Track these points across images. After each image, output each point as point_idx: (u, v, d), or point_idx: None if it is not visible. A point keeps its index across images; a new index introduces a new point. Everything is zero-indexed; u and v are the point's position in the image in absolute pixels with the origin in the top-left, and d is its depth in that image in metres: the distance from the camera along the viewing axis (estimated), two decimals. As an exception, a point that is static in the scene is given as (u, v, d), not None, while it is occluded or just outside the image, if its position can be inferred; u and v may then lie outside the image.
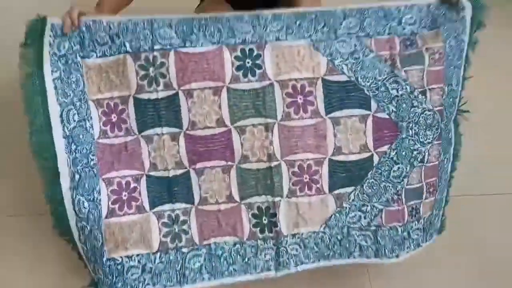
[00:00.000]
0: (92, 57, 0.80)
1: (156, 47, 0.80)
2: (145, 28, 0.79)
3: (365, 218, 0.89)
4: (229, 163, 0.84)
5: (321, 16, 0.81)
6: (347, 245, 0.90)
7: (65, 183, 0.80)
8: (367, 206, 0.88)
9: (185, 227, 0.86)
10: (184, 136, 0.83)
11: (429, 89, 0.85)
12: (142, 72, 0.80)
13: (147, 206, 0.85)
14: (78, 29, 0.78)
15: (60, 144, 0.78)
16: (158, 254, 0.86)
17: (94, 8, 0.87)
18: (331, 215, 0.88)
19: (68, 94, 0.79)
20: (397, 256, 0.91)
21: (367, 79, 0.84)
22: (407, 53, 0.84)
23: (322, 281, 0.97)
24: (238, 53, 0.81)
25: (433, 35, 0.84)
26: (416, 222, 0.91)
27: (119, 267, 0.85)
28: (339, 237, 0.90)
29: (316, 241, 0.89)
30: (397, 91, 0.84)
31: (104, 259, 0.84)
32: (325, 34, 0.82)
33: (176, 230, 0.86)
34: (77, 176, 0.80)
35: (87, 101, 0.80)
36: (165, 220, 0.86)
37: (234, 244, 0.88)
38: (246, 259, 0.88)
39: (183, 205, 0.86)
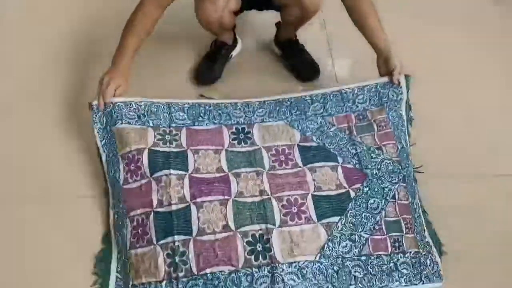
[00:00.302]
0: (118, 123, 1.03)
1: (172, 125, 1.08)
2: (164, 112, 1.09)
3: (355, 247, 0.93)
4: (226, 197, 0.97)
5: (294, 103, 1.14)
6: (344, 278, 0.89)
7: (111, 223, 1.02)
8: (355, 235, 0.94)
9: (184, 258, 0.89)
10: (189, 177, 0.99)
11: (383, 145, 1.08)
12: (158, 137, 1.05)
13: (154, 239, 0.91)
14: (108, 106, 1.03)
15: (111, 193, 1.03)
16: (164, 282, 0.87)
17: (114, 55, 1.06)
18: (324, 244, 0.92)
19: (110, 155, 1.03)
20: (386, 286, 0.90)
21: (332, 144, 1.09)
22: (360, 125, 1.12)
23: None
24: (234, 130, 1.10)
25: (378, 110, 1.13)
26: (402, 255, 0.94)
27: None
28: (335, 268, 0.90)
29: (313, 272, 0.88)
30: (356, 150, 1.07)
31: (130, 284, 0.90)
32: (297, 116, 1.13)
33: (177, 260, 0.88)
34: (116, 216, 1.00)
35: (117, 156, 1.02)
36: (168, 251, 0.90)
37: (229, 274, 0.87)
38: (242, 288, 0.83)
39: (182, 237, 0.91)
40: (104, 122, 1.04)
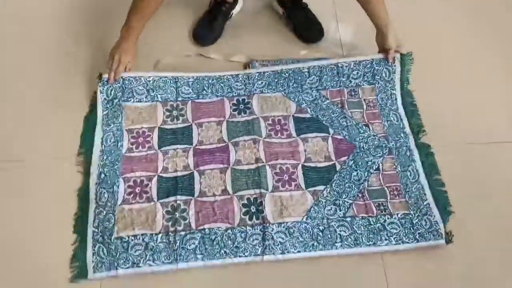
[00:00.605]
0: (130, 101, 1.17)
1: (179, 98, 1.21)
2: (171, 86, 1.21)
3: (340, 210, 1.04)
4: (226, 165, 1.09)
5: (292, 75, 1.23)
6: (329, 236, 1.01)
7: (92, 181, 1.06)
8: (339, 200, 1.06)
9: (184, 214, 1.02)
10: (193, 149, 1.12)
11: (370, 123, 1.18)
12: (167, 113, 1.18)
13: (155, 198, 1.04)
14: (118, 81, 1.15)
15: (96, 155, 1.10)
16: (160, 235, 0.99)
17: (122, 29, 1.13)
18: (311, 207, 1.04)
19: (110, 124, 1.15)
20: (374, 244, 0.99)
21: (325, 116, 1.19)
22: (351, 100, 1.22)
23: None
24: (234, 101, 1.21)
25: (369, 90, 1.22)
26: (389, 216, 1.03)
27: (125, 244, 0.97)
28: (321, 228, 1.02)
29: (300, 231, 1.01)
30: (346, 123, 1.18)
31: (113, 237, 0.98)
32: (294, 88, 1.23)
33: (177, 216, 1.02)
34: (102, 175, 1.07)
35: (122, 130, 1.15)
36: (168, 208, 1.03)
37: (226, 230, 1.00)
38: (236, 243, 0.98)
39: (184, 197, 1.04)
40: (111, 95, 1.16)
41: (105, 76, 1.17)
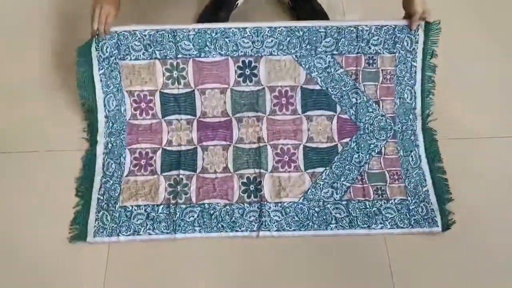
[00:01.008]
0: (127, 59, 1.09)
1: (179, 55, 1.09)
2: (170, 41, 1.08)
3: (336, 193, 1.06)
4: (228, 143, 1.12)
5: (307, 34, 1.14)
6: (324, 217, 1.03)
7: (100, 149, 1.10)
8: (337, 183, 1.07)
9: (186, 188, 1.06)
10: (197, 122, 1.13)
11: (381, 100, 1.14)
12: (167, 74, 1.14)
13: (159, 171, 1.09)
14: (112, 37, 1.06)
15: (101, 121, 1.11)
16: (161, 206, 1.04)
17: None
18: (308, 189, 1.06)
19: (109, 85, 1.13)
20: (368, 227, 1.01)
21: (335, 89, 1.14)
22: (367, 71, 1.15)
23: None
24: (240, 64, 1.14)
25: (389, 60, 1.11)
26: (386, 201, 1.05)
27: (128, 213, 1.03)
28: (316, 209, 1.04)
29: (296, 211, 1.04)
30: (356, 100, 1.14)
31: (117, 206, 1.04)
32: (307, 51, 1.15)
33: (178, 189, 1.06)
34: (109, 145, 1.11)
35: (122, 91, 1.14)
36: (171, 182, 1.07)
37: (225, 206, 1.04)
38: (233, 219, 1.02)
39: (187, 172, 1.08)
40: (107, 52, 1.08)
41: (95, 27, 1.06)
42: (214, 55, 1.11)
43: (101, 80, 1.10)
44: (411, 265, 1.00)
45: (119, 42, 1.09)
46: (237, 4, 1.34)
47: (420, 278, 0.98)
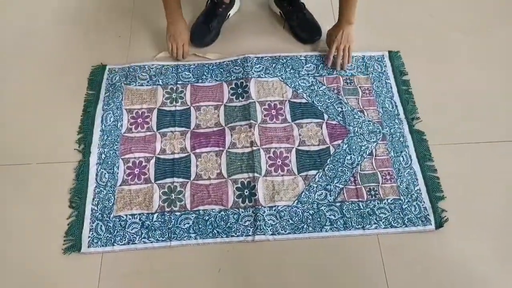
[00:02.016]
0: (132, 84, 1.24)
1: (179, 82, 1.25)
2: (172, 72, 1.26)
3: (330, 195, 1.07)
4: (221, 148, 1.13)
5: (289, 61, 1.27)
6: (319, 219, 1.04)
7: (93, 160, 1.11)
8: (330, 185, 1.08)
9: (180, 196, 1.06)
10: (191, 133, 1.15)
11: (365, 109, 1.20)
12: (167, 95, 1.22)
13: (152, 179, 1.09)
14: (124, 70, 1.24)
15: (96, 135, 1.15)
16: (156, 214, 1.04)
17: (166, 16, 1.23)
18: (302, 192, 1.07)
19: (110, 104, 1.20)
20: (363, 228, 1.01)
21: (320, 102, 1.21)
22: (347, 87, 1.24)
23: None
24: (233, 85, 1.24)
25: (364, 79, 1.26)
26: (379, 202, 1.06)
27: (122, 222, 1.02)
28: (311, 212, 1.05)
29: (290, 214, 1.04)
30: (342, 108, 1.20)
31: (112, 215, 1.03)
32: (291, 74, 1.26)
33: (173, 197, 1.06)
34: (103, 156, 1.12)
35: (121, 109, 1.19)
36: (165, 189, 1.07)
37: (219, 211, 1.04)
38: (229, 224, 1.02)
39: (181, 180, 1.09)
40: (116, 79, 1.25)
41: (112, 66, 1.26)
42: (210, 81, 1.26)
43: (103, 100, 1.20)
44: (404, 263, 1.00)
45: (128, 73, 1.26)
46: (229, 15, 1.39)
47: (413, 276, 0.99)
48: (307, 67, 1.27)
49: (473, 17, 1.41)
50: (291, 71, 1.26)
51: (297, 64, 1.27)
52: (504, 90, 1.26)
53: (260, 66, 1.26)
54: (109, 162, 1.11)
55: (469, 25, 1.39)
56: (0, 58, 1.32)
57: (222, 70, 1.26)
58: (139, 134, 1.16)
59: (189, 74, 1.26)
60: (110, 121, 1.17)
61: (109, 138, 1.15)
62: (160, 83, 1.24)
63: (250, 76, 1.24)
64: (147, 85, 1.24)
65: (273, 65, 1.27)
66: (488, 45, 1.35)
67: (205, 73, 1.26)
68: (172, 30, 1.25)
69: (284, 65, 1.27)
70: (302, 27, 1.35)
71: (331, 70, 1.26)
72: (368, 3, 1.40)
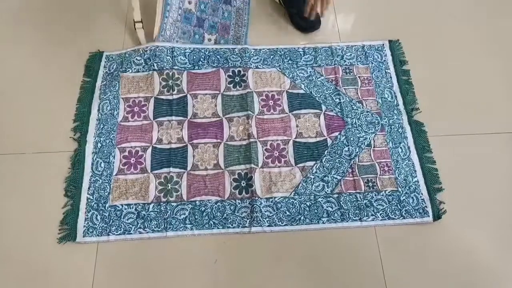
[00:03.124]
0: (128, 71, 1.21)
1: (175, 67, 1.22)
2: (167, 55, 1.22)
3: (328, 187, 1.06)
4: (219, 140, 1.11)
5: (287, 53, 1.26)
6: (316, 211, 1.03)
7: (89, 149, 1.10)
8: (328, 177, 1.07)
9: (176, 186, 1.05)
10: (188, 122, 1.14)
11: (364, 99, 1.19)
12: (163, 83, 1.20)
13: (149, 169, 1.08)
14: (120, 56, 1.22)
15: (93, 123, 1.13)
16: (152, 204, 1.03)
17: None
18: (299, 183, 1.06)
19: (107, 93, 1.18)
20: (360, 220, 1.01)
21: (318, 93, 1.20)
22: (346, 77, 1.22)
23: None
24: (230, 73, 1.22)
25: (364, 69, 1.24)
26: (376, 193, 1.05)
27: (118, 212, 1.02)
28: (308, 204, 1.04)
29: (287, 206, 1.03)
30: (340, 100, 1.18)
31: (107, 205, 1.02)
32: (289, 64, 1.24)
33: (169, 187, 1.05)
34: (99, 145, 1.10)
35: (118, 98, 1.17)
36: (162, 180, 1.06)
37: (216, 202, 1.04)
38: (225, 215, 1.02)
39: (177, 170, 1.07)
40: (113, 68, 1.22)
41: (109, 53, 1.24)
42: (206, 68, 1.23)
43: (100, 89, 1.18)
44: (402, 255, 1.00)
45: (124, 59, 1.23)
46: None
47: (411, 268, 0.98)
48: (305, 58, 1.25)
49: (475, 7, 1.39)
50: (289, 61, 1.25)
51: (295, 55, 1.25)
52: (505, 81, 1.25)
53: (258, 58, 1.25)
54: (105, 151, 1.10)
55: (471, 15, 1.37)
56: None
57: (219, 57, 1.24)
58: (136, 123, 1.14)
59: (185, 59, 1.23)
60: (106, 109, 1.16)
61: (105, 127, 1.13)
62: (156, 67, 1.20)
63: (248, 66, 1.23)
64: (142, 71, 1.21)
65: (271, 57, 1.25)
66: (489, 35, 1.33)
67: (202, 59, 1.23)
68: None
69: (282, 56, 1.25)
70: (303, 16, 1.32)
71: (329, 61, 1.24)
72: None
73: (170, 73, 1.20)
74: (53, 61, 1.25)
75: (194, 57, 1.23)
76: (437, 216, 1.02)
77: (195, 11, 1.29)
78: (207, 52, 1.24)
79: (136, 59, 1.22)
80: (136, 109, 1.16)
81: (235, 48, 1.25)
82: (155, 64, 1.21)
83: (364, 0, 1.39)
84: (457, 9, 1.38)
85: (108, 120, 1.14)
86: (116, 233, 0.99)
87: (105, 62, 1.23)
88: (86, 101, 1.16)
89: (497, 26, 1.35)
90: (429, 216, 1.03)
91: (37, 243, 0.99)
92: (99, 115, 1.14)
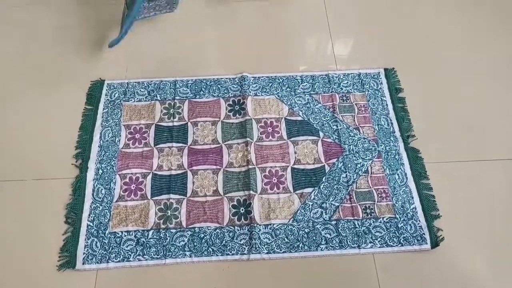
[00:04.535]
0: (131, 101, 1.25)
1: (176, 97, 1.26)
2: (171, 87, 1.27)
3: (326, 213, 1.07)
4: (218, 167, 1.13)
5: (285, 81, 1.29)
6: (314, 237, 1.04)
7: (90, 175, 1.11)
8: (326, 203, 1.08)
9: (176, 213, 1.06)
10: (188, 149, 1.16)
11: (361, 126, 1.21)
12: (164, 111, 1.23)
13: (149, 195, 1.09)
14: (123, 86, 1.26)
15: (94, 150, 1.15)
16: (151, 231, 1.04)
17: None
18: (297, 210, 1.07)
19: (109, 120, 1.21)
20: (359, 247, 1.01)
21: (316, 120, 1.22)
22: (343, 105, 1.25)
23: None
24: (230, 102, 1.25)
25: (360, 96, 1.27)
26: (374, 220, 1.06)
27: (118, 239, 1.02)
28: (306, 230, 1.05)
29: (286, 233, 1.04)
30: (337, 126, 1.21)
31: (107, 232, 1.03)
32: (287, 92, 1.27)
33: (169, 214, 1.06)
34: (100, 171, 1.12)
35: (120, 125, 1.20)
36: (161, 206, 1.07)
37: (215, 229, 1.04)
38: (224, 242, 1.02)
39: (177, 196, 1.09)
40: (115, 96, 1.25)
41: (111, 81, 1.27)
42: (207, 97, 1.27)
43: (102, 116, 1.21)
44: (400, 283, 1.00)
45: (127, 90, 1.27)
46: None
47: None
48: (303, 85, 1.28)
49: (468, 35, 1.43)
50: (287, 89, 1.28)
51: (293, 83, 1.29)
52: (500, 108, 1.28)
53: (256, 85, 1.28)
54: (106, 178, 1.11)
55: (464, 43, 1.41)
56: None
57: (219, 86, 1.28)
58: (137, 150, 1.16)
59: (186, 90, 1.27)
60: (108, 136, 1.18)
61: (107, 153, 1.15)
62: (158, 98, 1.25)
63: (247, 94, 1.26)
64: (145, 101, 1.25)
65: (270, 84, 1.28)
66: (483, 62, 1.37)
67: (203, 89, 1.27)
68: None
69: (281, 84, 1.29)
70: None
71: (326, 88, 1.27)
72: (364, 21, 1.44)
73: (172, 103, 1.24)
74: (55, 89, 1.28)
75: (196, 87, 1.27)
76: (435, 243, 1.03)
77: None
78: (209, 82, 1.28)
79: (140, 90, 1.26)
80: (137, 135, 1.18)
81: (235, 78, 1.29)
82: (158, 96, 1.25)
83: (360, 29, 1.44)
84: (450, 37, 1.42)
85: (110, 146, 1.16)
86: (115, 260, 0.99)
87: (106, 90, 1.26)
88: (88, 128, 1.19)
89: (490, 53, 1.39)
90: (427, 243, 1.03)
91: (37, 270, 0.99)
92: (101, 142, 1.17)
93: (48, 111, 1.24)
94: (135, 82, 1.28)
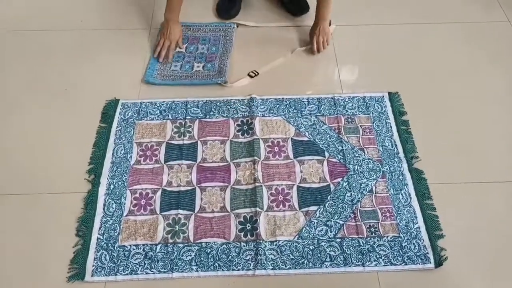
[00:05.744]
0: (144, 120, 1.30)
1: (187, 117, 1.31)
2: (182, 108, 1.33)
3: (330, 231, 1.09)
4: (226, 184, 1.16)
5: (292, 103, 1.34)
6: (319, 255, 1.05)
7: (102, 190, 1.15)
8: (331, 221, 1.10)
9: (184, 228, 1.09)
10: (197, 166, 1.20)
11: (365, 147, 1.25)
12: (175, 130, 1.28)
13: (158, 210, 1.12)
14: (136, 105, 1.33)
15: (107, 166, 1.20)
16: (159, 245, 1.06)
17: (165, 13, 1.45)
18: (303, 227, 1.09)
19: (122, 138, 1.26)
20: (363, 265, 1.02)
21: (322, 140, 1.26)
22: (348, 126, 1.29)
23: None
24: (239, 122, 1.30)
25: (365, 118, 1.31)
26: (379, 239, 1.07)
27: (126, 252, 1.05)
28: (311, 247, 1.06)
29: (291, 249, 1.05)
30: (342, 147, 1.24)
31: (116, 245, 1.06)
32: (294, 113, 1.32)
33: (177, 229, 1.09)
34: (111, 186, 1.16)
35: (132, 142, 1.25)
36: (170, 221, 1.10)
37: (221, 245, 1.06)
38: (230, 257, 1.04)
39: (185, 212, 1.12)
40: (129, 115, 1.31)
41: (125, 100, 1.33)
42: (217, 117, 1.32)
43: (115, 134, 1.27)
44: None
45: (140, 109, 1.33)
46: None
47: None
48: (309, 107, 1.33)
49: (471, 64, 1.48)
50: (294, 111, 1.32)
51: (299, 105, 1.34)
52: (503, 130, 1.31)
53: (264, 107, 1.33)
54: (117, 193, 1.15)
55: (467, 70, 1.46)
56: (13, 86, 1.40)
57: (229, 107, 1.33)
58: (148, 166, 1.21)
59: (197, 110, 1.33)
60: (120, 153, 1.23)
61: (119, 169, 1.19)
62: (170, 117, 1.31)
63: (255, 115, 1.31)
64: (157, 120, 1.30)
65: (277, 106, 1.33)
66: (485, 86, 1.41)
67: (213, 109, 1.33)
68: (167, 27, 1.46)
69: (288, 106, 1.33)
70: (293, 2, 1.64)
71: (332, 110, 1.32)
72: (369, 46, 1.51)
73: (183, 122, 1.29)
74: (73, 107, 1.35)
75: (206, 108, 1.33)
76: (438, 262, 1.04)
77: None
78: (218, 103, 1.34)
79: (153, 110, 1.32)
80: (149, 153, 1.23)
81: (244, 99, 1.34)
82: (169, 115, 1.31)
83: (365, 54, 1.50)
84: (453, 65, 1.47)
85: (122, 163, 1.21)
86: (123, 273, 1.01)
87: (120, 109, 1.32)
88: (101, 145, 1.24)
89: (493, 76, 1.43)
90: (430, 263, 1.04)
91: (47, 281, 1.01)
92: (113, 158, 1.21)
93: (64, 128, 1.29)
94: (148, 102, 1.34)
